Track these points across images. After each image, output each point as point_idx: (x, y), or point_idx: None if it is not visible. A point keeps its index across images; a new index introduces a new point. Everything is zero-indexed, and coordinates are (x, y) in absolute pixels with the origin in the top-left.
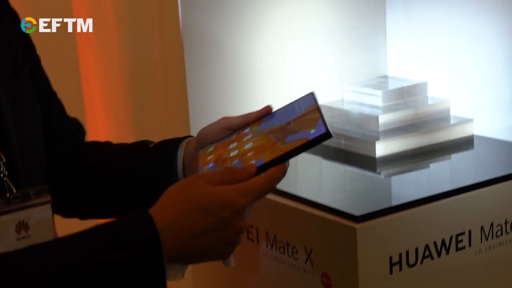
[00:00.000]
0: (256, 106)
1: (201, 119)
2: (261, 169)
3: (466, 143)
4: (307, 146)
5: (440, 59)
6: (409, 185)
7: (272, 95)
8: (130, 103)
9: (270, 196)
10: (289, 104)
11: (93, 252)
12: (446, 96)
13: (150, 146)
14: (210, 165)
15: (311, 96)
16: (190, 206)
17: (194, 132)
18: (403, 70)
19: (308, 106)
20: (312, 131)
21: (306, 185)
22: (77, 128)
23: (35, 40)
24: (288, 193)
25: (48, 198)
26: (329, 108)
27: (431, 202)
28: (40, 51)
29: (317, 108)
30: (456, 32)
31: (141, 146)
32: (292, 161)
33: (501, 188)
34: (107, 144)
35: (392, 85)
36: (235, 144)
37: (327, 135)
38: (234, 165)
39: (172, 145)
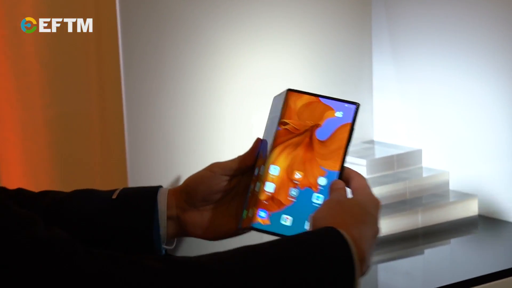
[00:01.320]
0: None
1: (140, 167)
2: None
3: (468, 224)
4: (352, 129)
5: (436, 123)
6: (398, 276)
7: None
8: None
9: None
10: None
11: (291, 253)
12: (444, 167)
13: (113, 197)
14: (261, 211)
15: (284, 94)
16: (364, 214)
17: (132, 180)
18: (392, 135)
19: (284, 101)
20: (338, 113)
21: None
22: None
23: None
24: None
25: None
26: None
27: None
28: None
29: (309, 93)
30: (454, 92)
31: (98, 196)
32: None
33: (507, 283)
34: (34, 194)
35: (380, 153)
36: (262, 182)
37: (357, 105)
38: (294, 193)
39: (146, 195)
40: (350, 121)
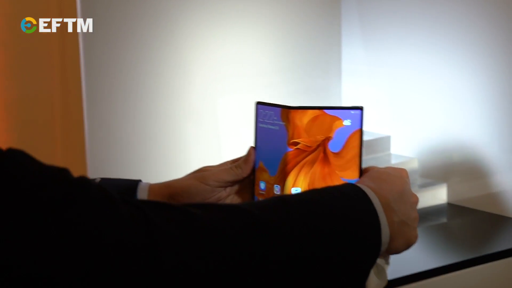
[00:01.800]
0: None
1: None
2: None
3: (437, 213)
4: (362, 133)
5: (406, 109)
6: None
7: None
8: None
9: None
10: (257, 132)
11: (321, 198)
12: (413, 154)
13: None
14: None
15: (276, 108)
16: (383, 173)
17: (91, 167)
18: None
19: (280, 114)
20: (346, 122)
21: None
22: None
23: None
24: None
25: None
26: None
27: (394, 287)
28: None
29: (312, 107)
30: (425, 77)
31: None
32: None
33: (477, 272)
34: None
35: None
36: None
37: (362, 109)
38: None
39: (124, 190)
40: (359, 127)
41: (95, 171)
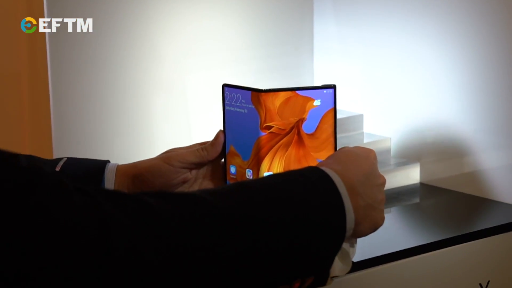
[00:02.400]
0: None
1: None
2: None
3: (410, 193)
4: (335, 112)
5: (379, 87)
6: None
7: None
8: None
9: None
10: (227, 115)
11: (282, 182)
12: (386, 133)
13: (57, 168)
14: None
15: (245, 91)
16: (350, 154)
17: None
18: None
19: (250, 97)
20: (318, 102)
21: None
22: None
23: None
24: None
25: None
26: None
27: (364, 269)
28: None
29: (284, 89)
30: (399, 54)
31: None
32: None
33: (450, 252)
34: None
35: None
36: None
37: (333, 87)
38: None
39: (91, 170)
40: (332, 106)
41: (61, 147)
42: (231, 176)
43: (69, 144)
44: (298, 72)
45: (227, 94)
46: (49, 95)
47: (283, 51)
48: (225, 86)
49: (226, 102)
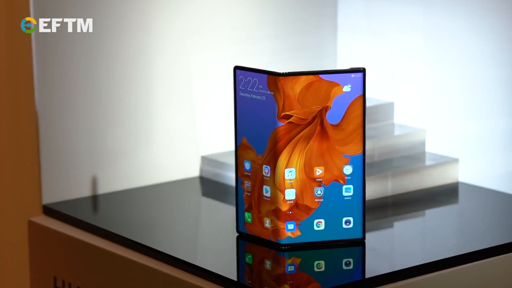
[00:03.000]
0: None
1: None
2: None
3: (448, 193)
4: (365, 100)
5: (412, 71)
6: (364, 253)
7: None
8: None
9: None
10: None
11: None
12: (421, 125)
13: None
14: (288, 224)
15: (261, 75)
16: None
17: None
18: None
19: (266, 82)
20: (346, 87)
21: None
22: None
23: None
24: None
25: None
26: None
27: (398, 280)
28: None
29: (305, 73)
30: (435, 33)
31: None
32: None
33: (495, 263)
34: None
35: None
36: (279, 191)
37: (362, 70)
38: (320, 192)
39: None
40: (361, 92)
41: (48, 138)
42: (246, 173)
43: (57, 134)
44: (319, 53)
45: (240, 78)
46: (33, 84)
47: (302, 29)
48: (237, 68)
49: (238, 87)
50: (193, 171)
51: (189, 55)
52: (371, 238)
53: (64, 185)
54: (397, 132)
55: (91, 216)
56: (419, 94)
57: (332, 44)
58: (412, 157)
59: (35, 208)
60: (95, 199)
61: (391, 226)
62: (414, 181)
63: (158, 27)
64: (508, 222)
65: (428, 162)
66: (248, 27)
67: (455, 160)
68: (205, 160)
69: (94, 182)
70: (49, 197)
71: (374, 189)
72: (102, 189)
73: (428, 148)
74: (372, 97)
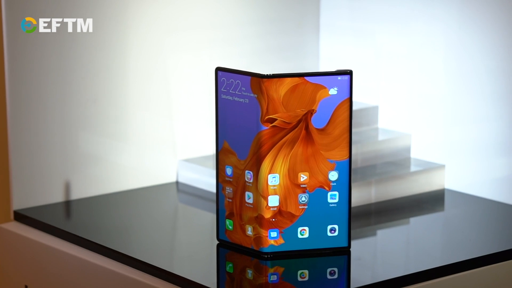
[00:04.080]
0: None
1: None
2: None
3: (433, 200)
4: (351, 103)
5: (397, 73)
6: (349, 262)
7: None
8: None
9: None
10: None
11: None
12: (406, 129)
13: None
14: (271, 231)
15: (244, 76)
16: None
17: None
18: None
19: (249, 84)
20: (332, 90)
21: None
22: None
23: None
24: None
25: None
26: None
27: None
28: None
29: (290, 75)
30: (421, 33)
31: None
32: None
33: (482, 273)
34: None
35: None
36: (262, 198)
37: (349, 73)
38: (304, 199)
39: None
40: (348, 95)
41: (18, 142)
42: (227, 178)
43: (28, 137)
44: (300, 53)
45: (221, 79)
46: (4, 85)
47: (283, 28)
48: (219, 70)
49: (220, 89)
50: (170, 176)
51: (166, 55)
52: (354, 247)
53: (35, 190)
54: (381, 137)
55: (63, 223)
56: (404, 97)
57: (314, 44)
58: (396, 163)
59: (5, 214)
60: (68, 205)
61: (375, 234)
62: (399, 187)
63: (135, 26)
64: (496, 231)
65: (413, 168)
66: (226, 27)
67: (441, 166)
68: (183, 164)
69: (67, 187)
70: (20, 202)
71: (357, 196)
72: (75, 194)
73: (414, 154)
74: (356, 100)
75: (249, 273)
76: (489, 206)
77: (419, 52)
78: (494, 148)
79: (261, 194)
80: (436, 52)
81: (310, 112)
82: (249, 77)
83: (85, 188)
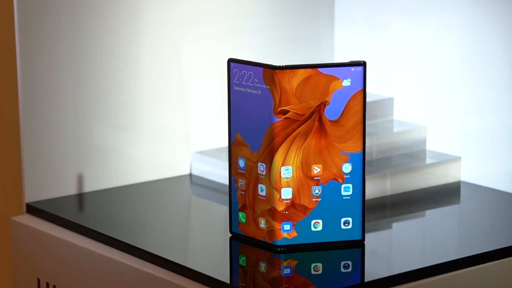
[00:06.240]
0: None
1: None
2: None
3: (449, 193)
4: (365, 95)
5: (413, 65)
6: (363, 255)
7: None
8: None
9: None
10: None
11: None
12: (421, 121)
13: None
14: (284, 224)
15: (257, 68)
16: None
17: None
18: None
19: (262, 75)
20: (346, 82)
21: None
22: None
23: None
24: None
25: None
26: None
27: (397, 285)
28: None
29: (303, 66)
30: (437, 26)
31: None
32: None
33: (498, 266)
34: None
35: None
36: (275, 190)
37: (363, 64)
38: (317, 191)
39: None
40: (361, 87)
41: (30, 137)
42: (240, 171)
43: (41, 130)
44: (315, 45)
45: (234, 71)
46: (17, 79)
47: (297, 20)
48: (231, 61)
49: (232, 80)
50: (184, 169)
51: (180, 47)
52: (369, 240)
53: (48, 183)
54: (396, 129)
55: (76, 215)
56: (420, 89)
57: (328, 36)
58: (412, 155)
59: (18, 207)
60: (80, 198)
61: (390, 227)
62: (414, 180)
63: (148, 18)
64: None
65: (429, 160)
66: (240, 18)
67: (457, 158)
68: (197, 157)
69: (80, 180)
70: (33, 195)
71: (372, 188)
72: (88, 187)
73: (429, 146)
74: (371, 92)
75: (262, 266)
76: (506, 198)
77: (434, 44)
78: (511, 140)
79: (274, 187)
80: (451, 43)
81: (323, 104)
82: (262, 69)
83: (98, 180)
